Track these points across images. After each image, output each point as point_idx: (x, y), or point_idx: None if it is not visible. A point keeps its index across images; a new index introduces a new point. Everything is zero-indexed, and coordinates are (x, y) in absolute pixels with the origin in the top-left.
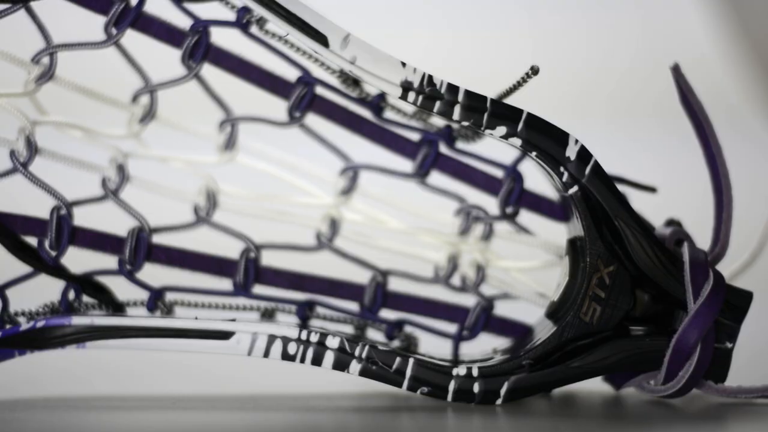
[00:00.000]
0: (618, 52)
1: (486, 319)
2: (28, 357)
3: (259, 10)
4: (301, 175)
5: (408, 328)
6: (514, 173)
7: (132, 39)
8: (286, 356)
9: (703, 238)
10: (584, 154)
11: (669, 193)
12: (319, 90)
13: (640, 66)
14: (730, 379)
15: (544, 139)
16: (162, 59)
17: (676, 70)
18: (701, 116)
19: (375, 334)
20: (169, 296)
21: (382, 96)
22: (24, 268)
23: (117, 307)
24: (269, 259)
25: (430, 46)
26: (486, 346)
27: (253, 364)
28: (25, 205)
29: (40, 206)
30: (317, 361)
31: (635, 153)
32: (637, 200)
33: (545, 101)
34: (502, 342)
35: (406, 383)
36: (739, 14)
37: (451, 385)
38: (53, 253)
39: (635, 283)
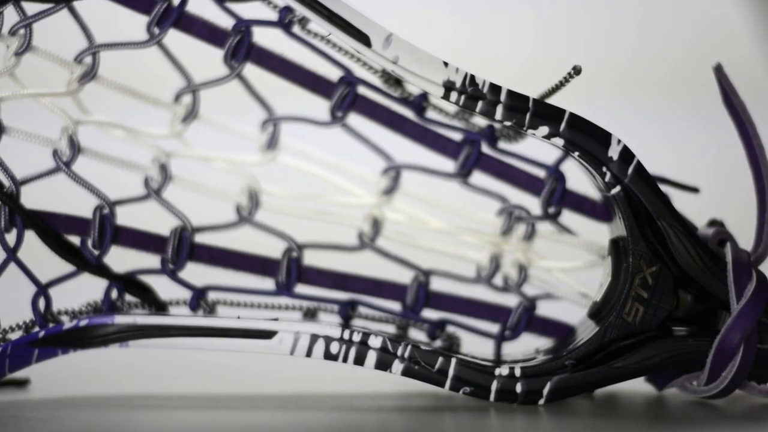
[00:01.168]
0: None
1: (528, 320)
2: (71, 356)
3: (301, 10)
4: (344, 175)
5: (450, 328)
6: (556, 173)
7: (174, 38)
8: (329, 356)
9: (745, 238)
10: (627, 155)
11: (710, 192)
12: (362, 90)
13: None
14: None
15: (586, 139)
16: (204, 59)
17: (719, 70)
18: (744, 117)
19: (417, 334)
20: (212, 295)
21: (424, 96)
22: (67, 267)
23: (160, 306)
24: (311, 259)
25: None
26: (528, 346)
27: (296, 364)
28: (68, 204)
29: (83, 205)
30: (360, 360)
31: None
32: (679, 200)
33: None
34: (544, 342)
35: (448, 383)
36: None
37: (494, 385)
38: (96, 252)
39: (678, 283)
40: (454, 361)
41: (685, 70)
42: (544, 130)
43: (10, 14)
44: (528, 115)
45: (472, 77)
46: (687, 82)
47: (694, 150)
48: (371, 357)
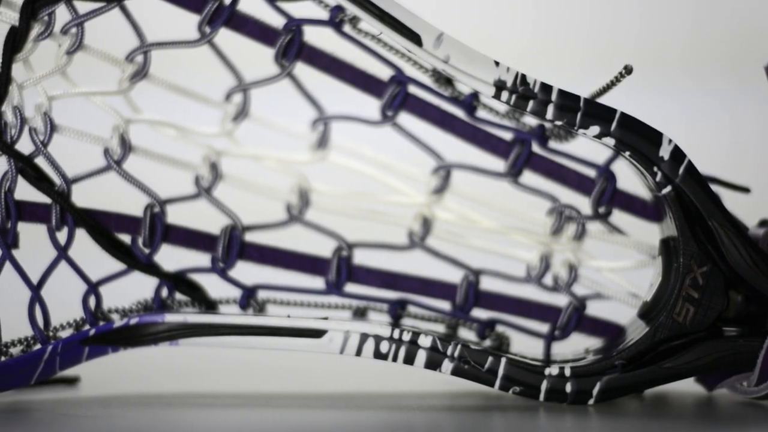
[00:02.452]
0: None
1: (578, 319)
2: (121, 354)
3: (352, 9)
4: (394, 174)
5: (500, 328)
6: (606, 173)
7: (225, 37)
8: (379, 355)
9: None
10: (678, 154)
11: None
12: (412, 89)
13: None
14: None
15: (637, 138)
16: (255, 58)
17: None
18: None
19: (467, 334)
20: (262, 294)
21: (474, 95)
22: (117, 266)
23: (209, 305)
24: (361, 258)
25: None
26: (578, 346)
27: (346, 363)
28: (119, 202)
29: (133, 204)
30: (409, 359)
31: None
32: (730, 200)
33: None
34: (594, 342)
35: (498, 382)
36: None
37: (544, 385)
38: (147, 251)
39: (729, 283)
40: (503, 360)
41: (695, 42)
42: (595, 129)
43: (62, 13)
44: (579, 115)
45: (523, 76)
46: (698, 55)
47: (708, 124)
48: (421, 356)
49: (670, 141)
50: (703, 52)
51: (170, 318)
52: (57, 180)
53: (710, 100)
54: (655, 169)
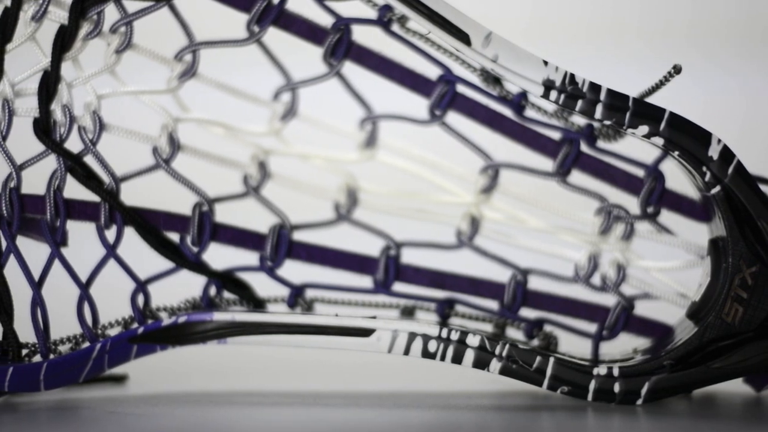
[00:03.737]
0: None
1: (626, 319)
2: (169, 352)
3: (401, 8)
4: (442, 173)
5: (548, 327)
6: (655, 172)
7: (273, 36)
8: (427, 354)
9: None
10: (727, 154)
11: None
12: (461, 88)
13: None
14: None
15: (686, 138)
16: (303, 57)
17: None
18: None
19: (515, 333)
20: (310, 293)
21: (523, 94)
22: (166, 264)
23: (257, 304)
24: (409, 257)
25: None
26: (626, 346)
27: (393, 362)
28: (168, 201)
29: (182, 203)
30: (457, 359)
31: None
32: None
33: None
34: (642, 342)
35: (546, 382)
36: None
37: (592, 385)
38: (195, 249)
39: None
40: (552, 360)
41: (703, 16)
42: (644, 129)
43: (111, 12)
44: (628, 114)
45: (572, 76)
46: (706, 28)
47: (720, 100)
48: (469, 355)
49: (719, 141)
50: (711, 26)
51: (219, 316)
52: (106, 178)
53: (721, 75)
54: (704, 168)
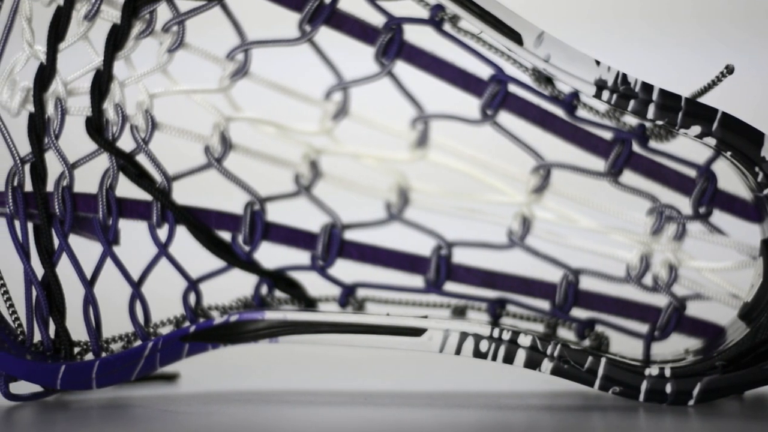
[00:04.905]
0: None
1: (678, 320)
2: (221, 350)
3: (453, 8)
4: (493, 173)
5: (599, 327)
6: (707, 173)
7: (325, 36)
8: (478, 354)
9: None
10: None
11: None
12: (512, 88)
13: None
14: None
15: (739, 138)
16: (354, 56)
17: None
18: None
19: (566, 333)
20: (361, 292)
21: (575, 94)
22: (217, 263)
23: (309, 303)
24: (460, 257)
25: None
26: (677, 346)
27: (444, 361)
28: (219, 200)
29: (233, 202)
30: (509, 359)
31: None
32: None
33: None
34: (693, 343)
35: (597, 382)
36: None
37: (644, 385)
38: (247, 248)
39: None
40: (603, 360)
41: None
42: (696, 129)
43: (163, 11)
44: (680, 114)
45: (624, 76)
46: (711, 6)
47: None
48: (520, 355)
49: None
50: (716, 3)
51: (270, 315)
52: (158, 177)
53: (728, 52)
54: (757, 169)
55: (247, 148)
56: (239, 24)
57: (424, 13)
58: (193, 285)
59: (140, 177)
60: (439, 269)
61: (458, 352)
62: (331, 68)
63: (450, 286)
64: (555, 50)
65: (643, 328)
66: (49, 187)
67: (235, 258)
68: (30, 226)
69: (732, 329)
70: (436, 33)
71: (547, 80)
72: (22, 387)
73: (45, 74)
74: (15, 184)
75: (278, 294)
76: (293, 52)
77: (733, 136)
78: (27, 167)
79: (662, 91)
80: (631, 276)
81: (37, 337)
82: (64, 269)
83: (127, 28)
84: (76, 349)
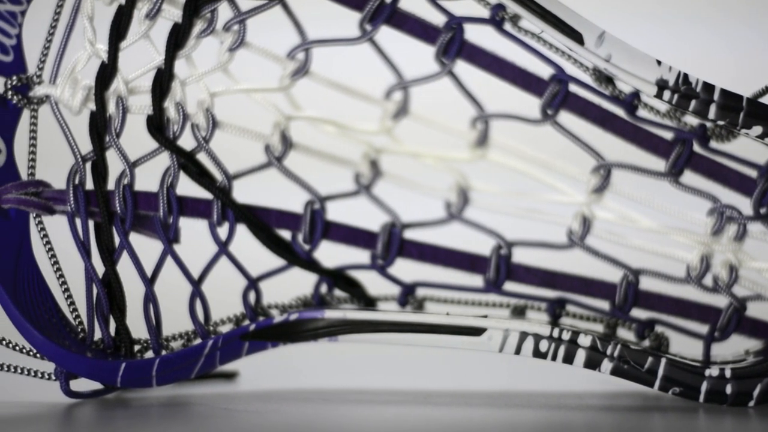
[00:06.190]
0: None
1: (738, 321)
2: (281, 349)
3: (513, 7)
4: (553, 173)
5: (659, 328)
6: None
7: (385, 35)
8: (538, 354)
9: None
10: None
11: None
12: (573, 87)
13: None
14: None
15: None
16: (413, 55)
17: None
18: None
19: (625, 334)
20: (420, 292)
21: (636, 94)
22: (277, 262)
23: (369, 302)
24: (520, 257)
25: None
26: (738, 347)
27: (503, 361)
28: (279, 199)
29: (293, 201)
30: (569, 359)
31: None
32: None
33: None
34: (754, 344)
35: (657, 383)
36: None
37: (704, 386)
38: (307, 247)
39: None
40: (663, 361)
41: None
42: (757, 129)
43: (224, 10)
44: (742, 115)
45: (686, 76)
46: None
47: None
48: (580, 355)
49: None
50: None
51: (330, 314)
52: (218, 176)
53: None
54: None
55: (308, 147)
56: (300, 23)
57: (485, 13)
58: (253, 283)
59: (201, 175)
60: (499, 269)
61: (518, 351)
62: (392, 67)
63: (509, 286)
64: (616, 50)
65: (703, 328)
66: (110, 185)
67: (295, 257)
68: (91, 224)
69: None
70: (497, 32)
71: (608, 80)
72: (82, 384)
73: (106, 73)
74: (76, 182)
75: (338, 293)
76: (354, 51)
77: None
78: (88, 165)
79: (723, 91)
80: (691, 276)
81: (97, 334)
82: (124, 267)
83: (189, 26)
84: (137, 347)
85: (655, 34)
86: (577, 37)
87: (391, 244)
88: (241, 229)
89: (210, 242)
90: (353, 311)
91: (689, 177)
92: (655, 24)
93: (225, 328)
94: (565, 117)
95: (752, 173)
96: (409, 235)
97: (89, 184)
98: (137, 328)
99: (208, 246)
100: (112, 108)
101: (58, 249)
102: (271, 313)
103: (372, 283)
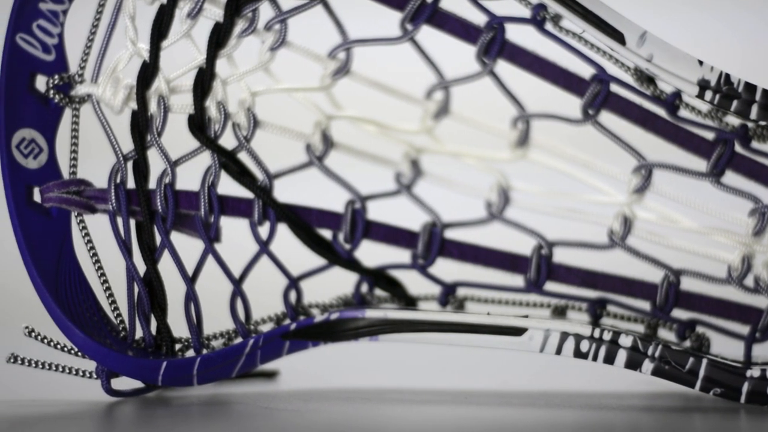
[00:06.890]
0: None
1: None
2: (321, 348)
3: (555, 7)
4: (594, 173)
5: (700, 329)
6: None
7: (426, 34)
8: (579, 354)
9: None
10: None
11: None
12: (614, 87)
13: None
14: None
15: None
16: (454, 55)
17: None
18: None
19: (666, 334)
20: (461, 291)
21: (677, 94)
22: (318, 261)
23: (409, 301)
24: (561, 257)
25: None
26: None
27: (544, 361)
28: (320, 198)
29: (334, 200)
30: (610, 359)
31: None
32: None
33: None
34: None
35: (698, 384)
36: None
37: (745, 387)
38: (347, 247)
39: None
40: (704, 361)
41: None
42: None
43: (266, 10)
44: None
45: (727, 76)
46: None
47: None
48: (621, 356)
49: None
50: None
51: (371, 314)
52: (259, 175)
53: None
54: None
55: (348, 147)
56: (341, 22)
57: (526, 12)
58: (293, 283)
59: (242, 174)
60: (540, 269)
61: (559, 352)
62: (433, 67)
63: (550, 286)
64: (658, 50)
65: (744, 329)
66: (152, 184)
67: (336, 256)
68: (132, 223)
69: None
70: (538, 32)
71: (649, 80)
72: (123, 383)
73: (148, 72)
74: (118, 181)
75: (378, 292)
76: (395, 51)
77: None
78: (129, 164)
79: (765, 92)
80: (732, 277)
81: (138, 333)
82: (165, 266)
83: (230, 26)
84: (177, 346)
85: (661, 21)
86: (618, 37)
87: (432, 243)
88: (282, 229)
89: (251, 241)
90: (394, 311)
91: (730, 177)
92: (659, 12)
93: (266, 327)
94: (606, 117)
95: None
96: (450, 234)
97: (130, 183)
98: (178, 327)
99: (249, 245)
100: (153, 107)
101: (100, 248)
102: (312, 313)
103: (413, 282)
